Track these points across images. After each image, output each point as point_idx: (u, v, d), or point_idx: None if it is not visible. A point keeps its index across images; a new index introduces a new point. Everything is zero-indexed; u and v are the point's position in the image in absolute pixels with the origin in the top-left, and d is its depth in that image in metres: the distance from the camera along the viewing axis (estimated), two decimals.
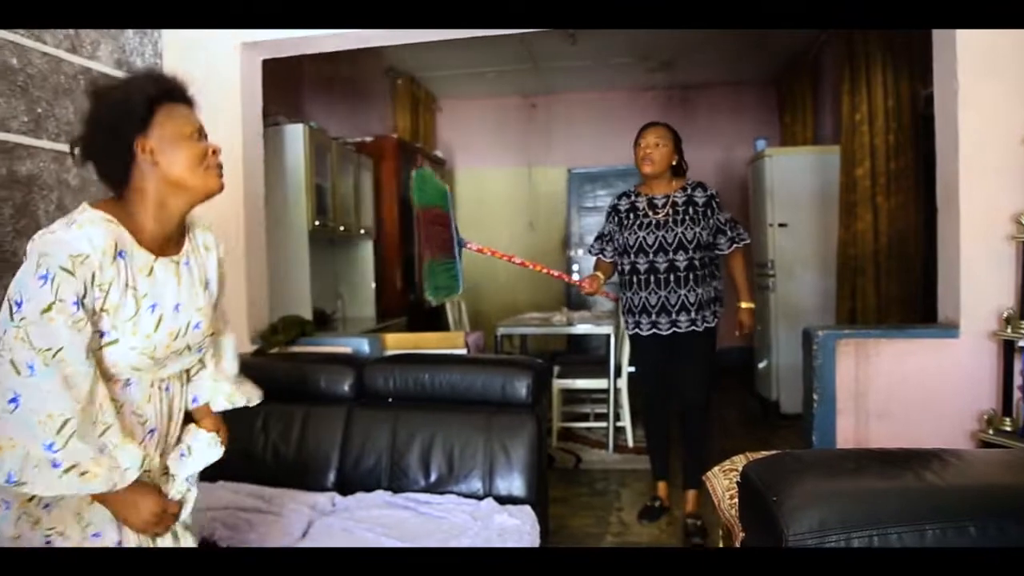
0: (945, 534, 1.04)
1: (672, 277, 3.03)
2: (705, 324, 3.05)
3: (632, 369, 3.94)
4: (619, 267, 3.19)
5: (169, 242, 1.43)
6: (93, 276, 1.27)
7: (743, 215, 4.97)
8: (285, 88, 4.67)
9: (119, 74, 3.06)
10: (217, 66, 3.18)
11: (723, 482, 2.12)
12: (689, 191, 3.08)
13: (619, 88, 7.00)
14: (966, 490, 1.13)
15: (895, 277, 4.40)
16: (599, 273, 3.15)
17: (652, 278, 3.06)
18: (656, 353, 3.14)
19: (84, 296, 1.26)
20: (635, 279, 3.10)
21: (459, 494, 2.32)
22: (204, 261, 1.52)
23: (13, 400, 1.19)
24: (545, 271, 3.00)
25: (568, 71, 6.50)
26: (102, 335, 1.32)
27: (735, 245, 3.08)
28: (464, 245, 2.37)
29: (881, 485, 1.16)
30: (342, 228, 4.61)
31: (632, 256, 3.09)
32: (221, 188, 1.44)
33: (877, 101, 4.39)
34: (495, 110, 7.38)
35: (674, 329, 3.04)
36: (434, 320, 5.92)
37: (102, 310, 1.30)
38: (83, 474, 1.22)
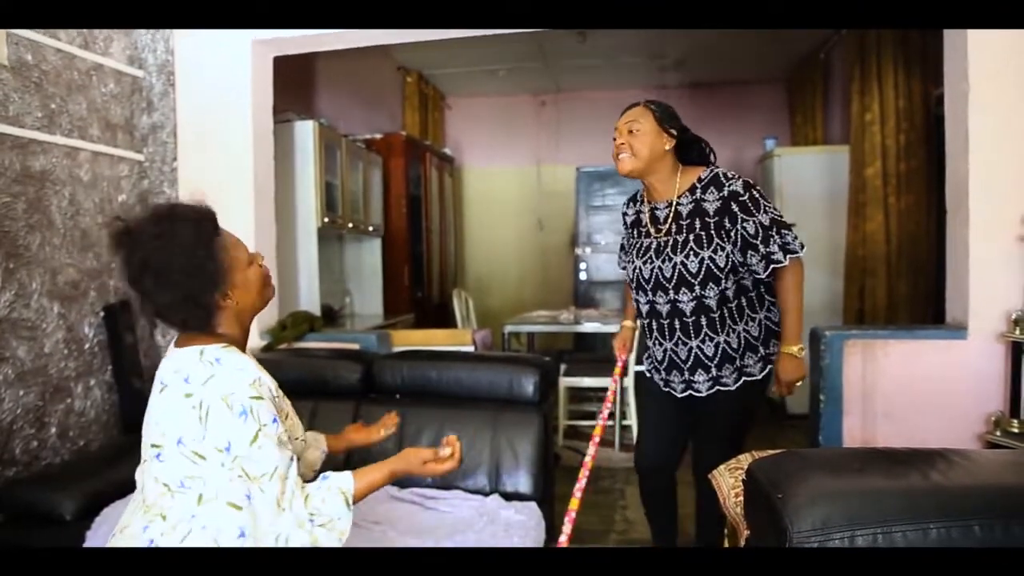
0: (950, 533, 1.04)
1: (678, 323, 2.14)
2: (744, 378, 2.16)
3: (640, 368, 3.90)
4: None
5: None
6: (270, 392, 1.41)
7: None
8: (295, 85, 4.69)
9: (131, 70, 3.08)
10: (229, 63, 3.20)
11: (728, 480, 2.12)
12: (699, 192, 2.09)
13: (629, 86, 7.00)
14: (971, 490, 1.13)
15: (905, 278, 4.39)
16: (627, 321, 2.54)
17: (655, 324, 2.21)
18: (663, 414, 2.34)
19: (276, 413, 1.38)
20: (640, 322, 2.32)
21: (465, 490, 2.33)
22: None
23: (241, 535, 1.29)
24: (603, 418, 2.31)
25: (578, 69, 6.51)
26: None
27: (773, 265, 2.06)
28: None
29: (886, 484, 1.16)
30: (351, 225, 4.62)
31: (634, 291, 2.26)
32: (274, 293, 1.61)
33: (888, 101, 4.38)
34: (504, 108, 7.40)
35: (690, 392, 2.21)
36: (442, 318, 5.94)
37: (286, 418, 1.48)
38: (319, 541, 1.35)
